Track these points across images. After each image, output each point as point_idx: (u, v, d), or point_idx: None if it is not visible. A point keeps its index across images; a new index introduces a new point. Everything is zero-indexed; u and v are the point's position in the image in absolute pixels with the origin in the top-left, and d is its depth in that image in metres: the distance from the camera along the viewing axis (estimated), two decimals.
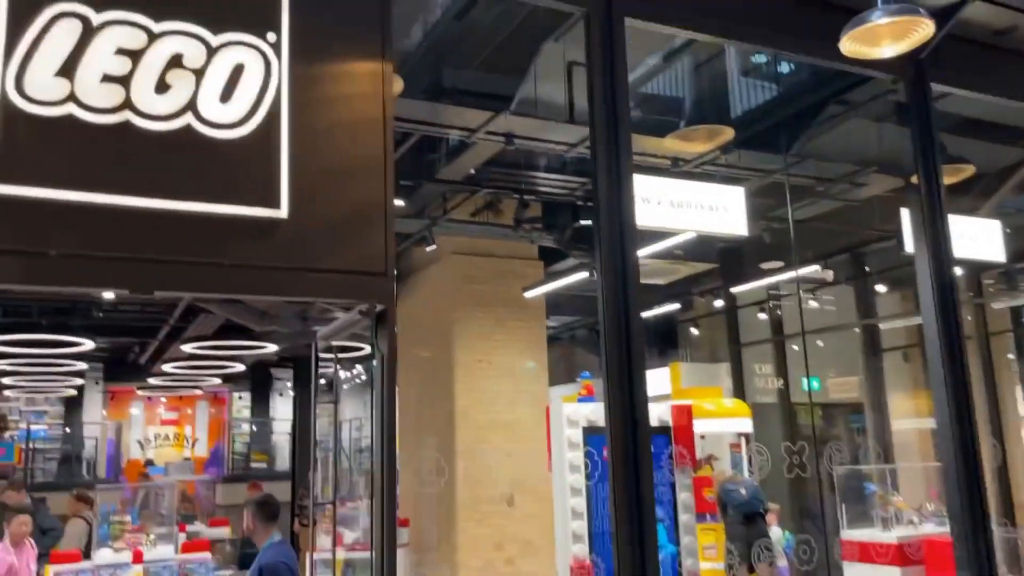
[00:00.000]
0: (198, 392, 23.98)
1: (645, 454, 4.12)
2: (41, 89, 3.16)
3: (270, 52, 3.59)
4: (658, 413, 5.70)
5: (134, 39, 3.35)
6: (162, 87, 3.36)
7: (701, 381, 12.12)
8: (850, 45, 4.30)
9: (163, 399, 24.70)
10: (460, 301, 8.86)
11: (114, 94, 3.27)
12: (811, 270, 8.54)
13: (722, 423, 9.04)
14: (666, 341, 13.37)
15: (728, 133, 5.93)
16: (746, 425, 9.23)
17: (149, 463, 23.21)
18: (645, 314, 11.73)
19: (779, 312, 11.11)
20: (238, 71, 3.52)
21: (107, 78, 3.28)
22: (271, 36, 3.61)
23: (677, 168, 6.54)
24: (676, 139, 5.82)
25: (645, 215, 5.07)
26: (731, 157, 6.64)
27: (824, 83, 6.91)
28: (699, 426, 8.64)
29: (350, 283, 3.66)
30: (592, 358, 16.44)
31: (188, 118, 3.39)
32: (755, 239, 8.50)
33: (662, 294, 11.57)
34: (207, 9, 3.51)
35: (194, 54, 3.44)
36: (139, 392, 23.88)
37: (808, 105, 7.03)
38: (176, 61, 3.41)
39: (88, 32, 3.27)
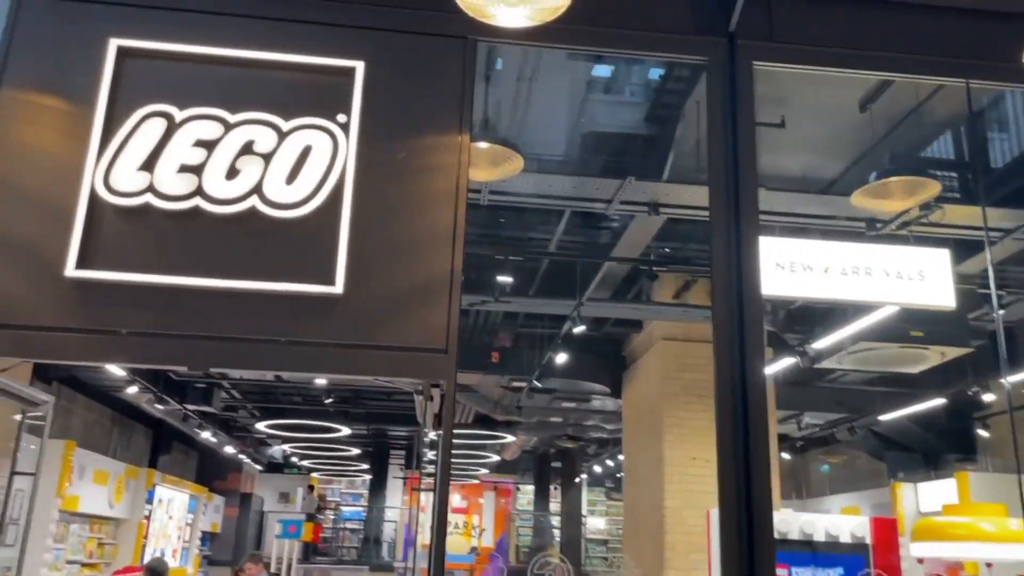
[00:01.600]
0: (473, 482, 24.90)
1: None
2: (124, 182, 3.45)
3: (339, 132, 3.63)
4: (851, 528, 4.66)
5: (211, 131, 3.57)
6: (232, 173, 3.52)
7: (999, 495, 9.99)
8: None
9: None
10: (671, 391, 8.20)
11: (188, 183, 3.48)
12: None
13: (1004, 549, 7.30)
14: (958, 444, 11.24)
15: (932, 187, 4.88)
16: None
17: None
18: (913, 409, 9.93)
19: None
20: (305, 152, 3.59)
21: (183, 168, 3.50)
22: (341, 117, 3.65)
23: (876, 231, 5.52)
24: (864, 196, 4.90)
25: (806, 285, 4.31)
26: (954, 215, 5.46)
27: None
28: (978, 551, 7.01)
29: (408, 360, 3.47)
30: (874, 464, 14.39)
31: (253, 200, 3.50)
32: None
33: (936, 387, 9.83)
34: (282, 97, 3.66)
35: (265, 140, 3.58)
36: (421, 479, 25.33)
37: None
38: (247, 148, 3.56)
39: (171, 128, 3.55)
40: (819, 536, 4.43)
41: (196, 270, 3.41)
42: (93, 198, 3.43)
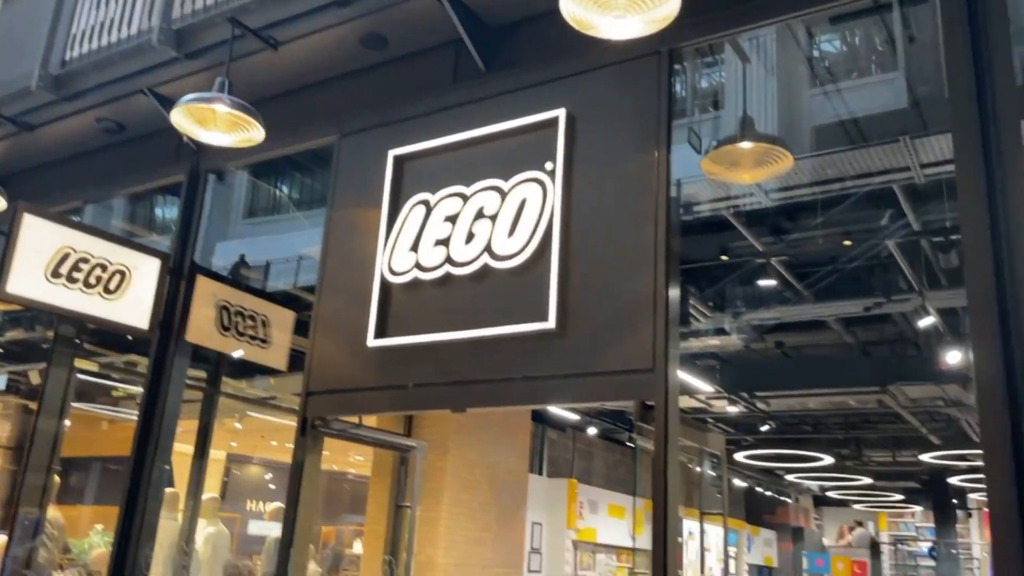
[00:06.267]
0: None
1: None
2: (400, 264, 4.26)
3: (547, 179, 3.93)
4: None
5: (454, 206, 4.19)
6: (469, 237, 4.07)
7: None
8: None
9: None
10: None
11: (440, 254, 4.14)
12: None
13: None
14: None
15: None
16: None
17: None
18: None
19: None
20: (522, 205, 3.96)
21: (437, 242, 4.18)
22: (548, 164, 3.95)
23: None
24: None
25: None
26: None
27: None
28: None
29: (616, 384, 3.53)
30: None
31: (485, 258, 3.99)
32: None
33: None
34: (504, 162, 4.11)
35: (492, 203, 4.07)
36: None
37: None
38: (480, 213, 4.09)
39: (428, 211, 4.27)
40: None
41: (449, 326, 4.01)
42: (383, 281, 4.30)
